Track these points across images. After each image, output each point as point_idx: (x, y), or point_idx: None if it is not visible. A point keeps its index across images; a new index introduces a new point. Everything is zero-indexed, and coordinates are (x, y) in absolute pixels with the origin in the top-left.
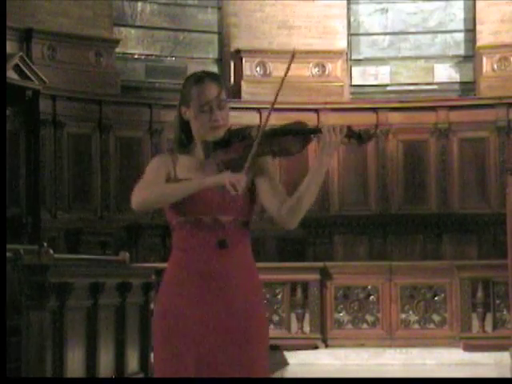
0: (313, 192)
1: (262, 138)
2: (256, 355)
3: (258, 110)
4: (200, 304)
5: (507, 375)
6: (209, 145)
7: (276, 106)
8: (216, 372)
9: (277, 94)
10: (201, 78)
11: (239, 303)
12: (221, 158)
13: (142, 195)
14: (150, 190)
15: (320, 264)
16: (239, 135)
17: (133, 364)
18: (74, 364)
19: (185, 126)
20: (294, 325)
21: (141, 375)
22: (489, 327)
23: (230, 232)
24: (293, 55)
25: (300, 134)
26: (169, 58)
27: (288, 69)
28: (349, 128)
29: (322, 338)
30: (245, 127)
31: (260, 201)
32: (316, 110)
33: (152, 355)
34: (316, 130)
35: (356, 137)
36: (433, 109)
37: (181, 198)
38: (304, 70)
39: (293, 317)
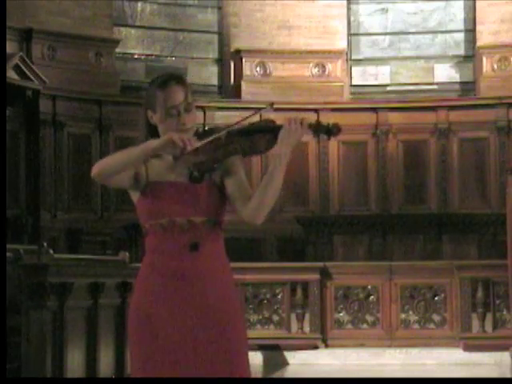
0: (276, 185)
1: (231, 137)
2: (235, 353)
3: (258, 110)
4: (173, 305)
5: (507, 375)
6: None
7: (276, 106)
8: (195, 372)
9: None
10: (166, 81)
11: (213, 303)
12: (191, 160)
13: (102, 162)
14: (109, 157)
15: (320, 264)
16: (207, 137)
17: None
18: (74, 364)
19: (152, 130)
20: (294, 325)
21: None
22: (489, 327)
23: (204, 233)
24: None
25: (267, 132)
26: (169, 58)
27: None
28: (316, 122)
29: (322, 338)
30: (212, 128)
31: (229, 201)
32: (316, 110)
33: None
34: (281, 126)
35: (324, 130)
36: (433, 109)
37: (138, 161)
38: (304, 70)
39: (293, 317)
